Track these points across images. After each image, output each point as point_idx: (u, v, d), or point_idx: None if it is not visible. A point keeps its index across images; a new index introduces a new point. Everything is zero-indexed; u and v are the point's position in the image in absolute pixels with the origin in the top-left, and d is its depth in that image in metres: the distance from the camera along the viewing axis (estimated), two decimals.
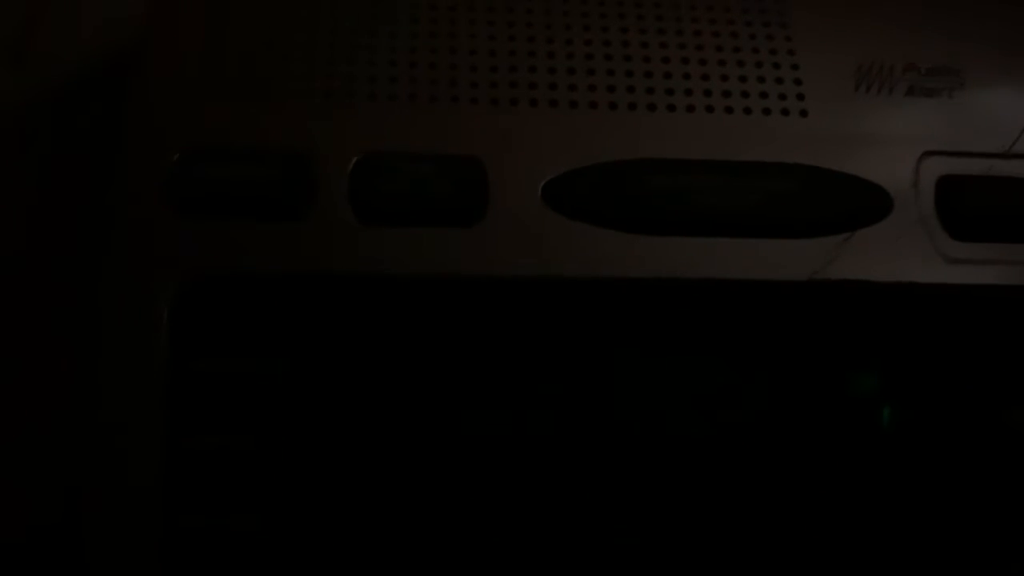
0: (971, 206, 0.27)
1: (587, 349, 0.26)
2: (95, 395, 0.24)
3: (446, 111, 0.26)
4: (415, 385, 0.25)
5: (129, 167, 0.25)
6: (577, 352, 0.26)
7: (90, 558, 0.24)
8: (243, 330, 0.25)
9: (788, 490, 0.26)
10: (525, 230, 0.26)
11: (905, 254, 0.27)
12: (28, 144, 0.31)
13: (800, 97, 0.28)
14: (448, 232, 0.25)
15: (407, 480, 0.25)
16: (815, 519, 0.26)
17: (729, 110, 0.27)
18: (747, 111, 0.27)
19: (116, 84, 0.28)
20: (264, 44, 0.27)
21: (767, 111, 0.27)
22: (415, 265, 0.25)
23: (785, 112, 0.28)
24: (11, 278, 0.29)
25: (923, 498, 0.26)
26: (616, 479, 0.25)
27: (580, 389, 0.26)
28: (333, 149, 0.26)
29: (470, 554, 0.25)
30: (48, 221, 0.29)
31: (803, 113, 0.28)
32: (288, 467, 0.25)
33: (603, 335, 0.26)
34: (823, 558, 0.26)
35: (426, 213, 0.25)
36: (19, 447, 0.28)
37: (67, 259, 0.27)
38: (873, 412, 0.26)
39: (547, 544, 0.25)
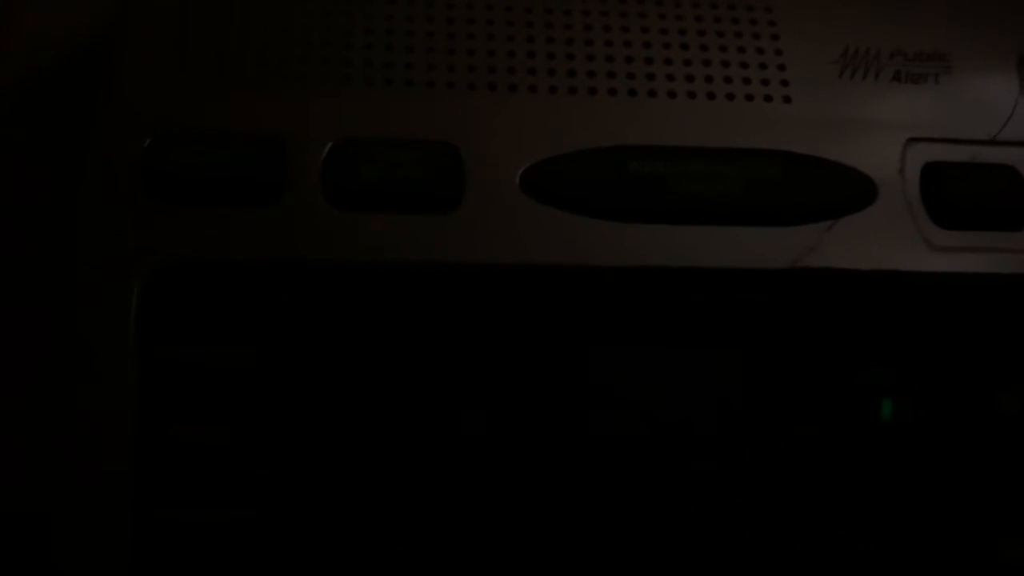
0: (957, 193, 0.27)
1: (566, 339, 0.25)
2: (67, 384, 0.24)
3: (423, 96, 0.26)
4: (391, 374, 0.25)
5: (101, 153, 0.25)
6: (555, 342, 0.25)
7: (57, 549, 0.23)
8: (216, 317, 0.25)
9: (772, 480, 0.26)
10: (502, 217, 0.25)
11: (890, 242, 0.26)
12: (7, 131, 0.30)
13: (784, 83, 0.27)
14: (423, 219, 0.25)
15: (384, 470, 0.25)
16: (800, 508, 0.26)
17: (711, 96, 0.27)
18: (730, 97, 0.27)
19: (92, 71, 0.27)
20: (238, 29, 0.27)
21: (750, 97, 0.27)
22: (389, 252, 0.25)
23: (768, 98, 0.27)
24: None
25: (914, 485, 0.26)
26: (595, 473, 0.25)
27: (559, 380, 0.25)
28: (307, 134, 0.25)
29: (452, 545, 0.25)
30: (22, 208, 0.29)
31: (787, 99, 0.27)
32: (262, 457, 0.24)
33: (582, 325, 0.26)
34: (813, 547, 0.26)
35: (401, 199, 0.25)
36: None
37: (39, 250, 0.27)
38: (857, 401, 0.26)
39: (525, 533, 0.25)
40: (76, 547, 0.23)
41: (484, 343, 0.25)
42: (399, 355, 0.25)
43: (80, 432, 0.24)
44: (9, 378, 0.26)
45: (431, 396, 0.25)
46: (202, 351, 0.24)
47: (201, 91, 0.26)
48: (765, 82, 0.27)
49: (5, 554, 0.24)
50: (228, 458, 0.24)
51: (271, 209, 0.25)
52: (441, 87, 0.26)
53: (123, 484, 0.24)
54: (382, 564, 0.24)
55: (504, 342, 0.25)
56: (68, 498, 0.24)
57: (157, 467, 0.24)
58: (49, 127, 0.29)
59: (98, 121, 0.25)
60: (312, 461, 0.24)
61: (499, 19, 0.27)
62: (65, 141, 0.27)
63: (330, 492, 0.24)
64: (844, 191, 0.27)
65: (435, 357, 0.25)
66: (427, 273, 0.25)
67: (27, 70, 0.30)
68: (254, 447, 0.24)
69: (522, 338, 0.25)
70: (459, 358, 0.25)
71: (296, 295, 0.25)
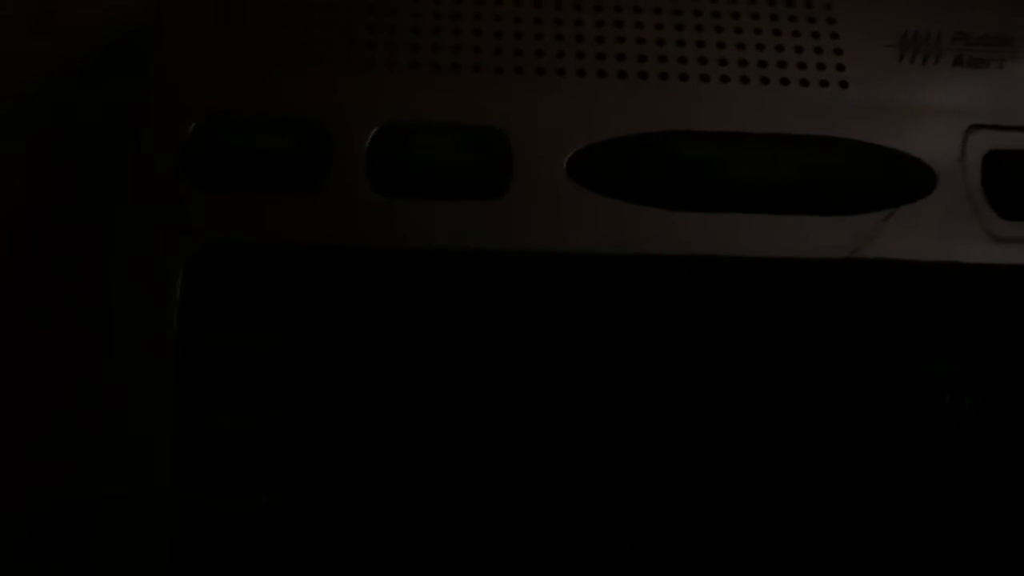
0: (1020, 182, 0.26)
1: (613, 328, 0.25)
2: (109, 368, 0.24)
3: (469, 81, 0.26)
4: (434, 361, 0.24)
5: (147, 136, 0.25)
6: (602, 332, 0.25)
7: (99, 536, 0.23)
8: (259, 302, 0.24)
9: (819, 476, 0.25)
10: (549, 204, 0.25)
11: (949, 232, 0.25)
12: (50, 116, 0.31)
13: (840, 67, 0.27)
14: (469, 205, 0.25)
15: (424, 456, 0.24)
16: (847, 501, 0.25)
17: (765, 81, 0.26)
18: (784, 82, 0.26)
19: (139, 54, 0.27)
20: (283, 12, 0.26)
21: (805, 82, 0.26)
22: (433, 238, 0.24)
23: (824, 83, 0.26)
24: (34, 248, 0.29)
25: (976, 482, 0.25)
26: (643, 464, 0.25)
27: (605, 369, 0.25)
28: (352, 118, 0.25)
29: (491, 533, 0.24)
30: (64, 194, 0.29)
31: (843, 84, 0.26)
32: (305, 442, 0.24)
33: (630, 314, 0.25)
34: (873, 536, 0.25)
35: (446, 185, 0.25)
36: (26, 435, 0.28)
37: (83, 234, 0.27)
38: (916, 395, 0.25)
39: (587, 515, 0.24)
40: (118, 534, 0.23)
41: (529, 331, 0.25)
42: (443, 342, 0.24)
43: (122, 417, 0.24)
44: (52, 363, 0.26)
45: (474, 383, 0.24)
46: (245, 336, 0.24)
47: (245, 75, 0.25)
48: (821, 67, 0.26)
49: (48, 542, 0.24)
50: (270, 443, 0.24)
51: (315, 194, 0.24)
52: (488, 71, 0.26)
53: (165, 470, 0.23)
54: (429, 547, 0.24)
55: (550, 331, 0.25)
56: (110, 485, 0.23)
57: (199, 453, 0.24)
58: (94, 112, 0.29)
59: (142, 105, 0.25)
60: (356, 447, 0.24)
61: (548, 2, 0.27)
62: (110, 126, 0.27)
63: (375, 477, 0.24)
64: (902, 180, 0.26)
65: (479, 344, 0.24)
66: (473, 260, 0.25)
67: (73, 55, 0.30)
68: (297, 433, 0.24)
69: (569, 327, 0.25)
70: (503, 346, 0.24)
71: (339, 281, 0.24)
